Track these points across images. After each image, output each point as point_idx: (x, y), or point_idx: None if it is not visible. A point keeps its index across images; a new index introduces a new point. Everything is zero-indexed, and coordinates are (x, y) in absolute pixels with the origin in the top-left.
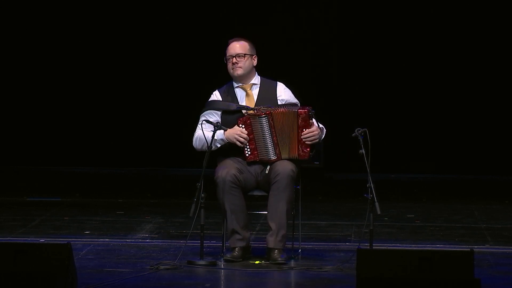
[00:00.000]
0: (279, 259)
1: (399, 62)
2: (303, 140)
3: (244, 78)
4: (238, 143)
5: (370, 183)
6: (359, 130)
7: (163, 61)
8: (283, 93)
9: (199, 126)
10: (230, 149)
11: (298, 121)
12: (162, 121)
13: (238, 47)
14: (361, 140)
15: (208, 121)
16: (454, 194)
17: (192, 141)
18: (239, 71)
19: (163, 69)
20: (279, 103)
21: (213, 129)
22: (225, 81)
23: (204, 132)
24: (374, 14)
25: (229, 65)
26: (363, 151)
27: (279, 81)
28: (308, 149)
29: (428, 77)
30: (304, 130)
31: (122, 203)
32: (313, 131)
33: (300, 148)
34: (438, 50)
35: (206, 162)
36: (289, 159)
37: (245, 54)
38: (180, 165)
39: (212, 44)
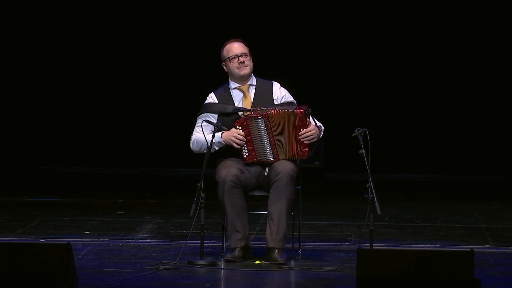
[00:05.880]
0: (279, 259)
1: (399, 62)
2: (301, 140)
3: (246, 78)
4: (235, 145)
5: (370, 183)
6: (359, 130)
7: (163, 62)
8: (279, 92)
9: (196, 128)
10: (228, 151)
11: (295, 121)
12: (162, 121)
13: (241, 46)
14: (361, 140)
15: (208, 121)
16: (454, 194)
17: (189, 144)
18: (247, 70)
19: (162, 70)
20: (275, 102)
21: (212, 129)
22: (222, 82)
23: (203, 133)
24: (374, 13)
25: (234, 64)
26: (363, 151)
27: (276, 81)
28: (306, 149)
29: (428, 77)
30: (301, 130)
31: (122, 203)
32: (310, 131)
33: (298, 148)
34: (439, 50)
35: (206, 162)
36: (288, 160)
37: (248, 53)
38: (180, 165)
39: (209, 45)
